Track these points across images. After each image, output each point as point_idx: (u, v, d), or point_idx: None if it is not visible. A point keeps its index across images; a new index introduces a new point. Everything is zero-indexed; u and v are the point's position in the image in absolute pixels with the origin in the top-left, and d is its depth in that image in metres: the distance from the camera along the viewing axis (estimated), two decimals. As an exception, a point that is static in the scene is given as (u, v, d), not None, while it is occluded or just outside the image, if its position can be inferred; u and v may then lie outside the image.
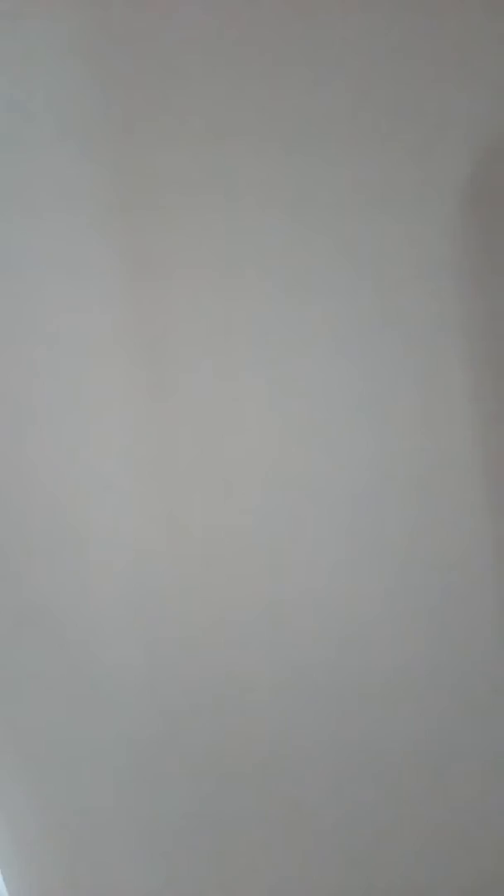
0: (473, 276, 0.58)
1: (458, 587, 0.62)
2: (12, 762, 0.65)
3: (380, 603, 0.62)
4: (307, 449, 0.60)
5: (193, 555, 0.61)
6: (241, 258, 0.57)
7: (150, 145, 0.56)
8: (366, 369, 0.59)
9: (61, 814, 0.65)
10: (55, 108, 0.56)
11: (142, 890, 0.66)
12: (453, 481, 0.61)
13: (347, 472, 0.61)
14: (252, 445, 0.60)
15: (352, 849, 0.65)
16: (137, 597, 0.62)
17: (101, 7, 0.55)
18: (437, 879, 0.66)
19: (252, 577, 0.62)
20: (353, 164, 0.56)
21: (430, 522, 0.62)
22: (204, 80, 0.55)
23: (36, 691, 0.63)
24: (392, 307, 0.58)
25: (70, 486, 0.60)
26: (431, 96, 0.55)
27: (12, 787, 0.65)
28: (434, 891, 0.66)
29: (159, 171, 0.56)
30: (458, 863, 0.66)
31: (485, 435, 0.60)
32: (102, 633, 0.62)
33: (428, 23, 0.55)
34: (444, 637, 0.63)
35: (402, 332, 0.59)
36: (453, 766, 0.64)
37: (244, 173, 0.56)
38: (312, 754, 0.64)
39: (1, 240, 0.58)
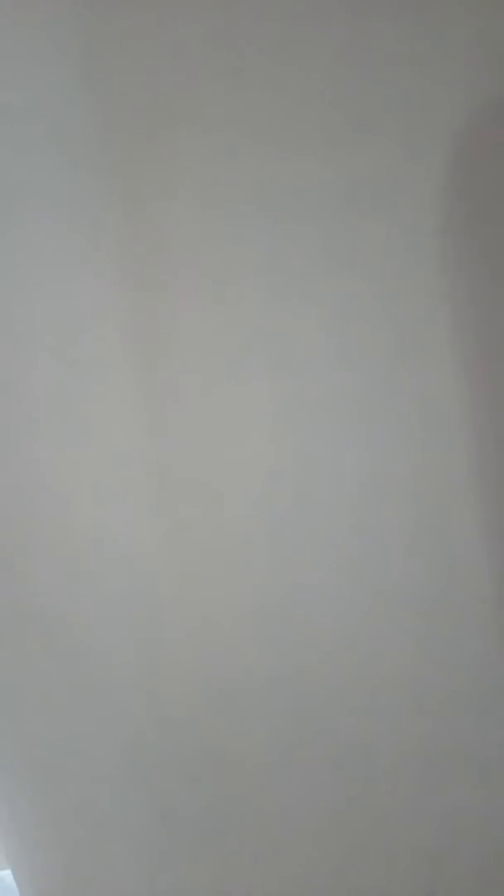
0: (463, 271, 0.58)
1: (457, 587, 0.62)
2: (16, 761, 0.65)
3: (379, 603, 0.62)
4: (305, 451, 0.60)
5: (192, 556, 0.61)
6: (238, 265, 0.58)
7: (143, 154, 0.56)
8: (364, 375, 0.59)
9: (65, 813, 0.65)
10: (50, 113, 0.55)
11: (147, 888, 0.66)
12: (452, 481, 0.61)
13: (345, 475, 0.61)
14: (250, 447, 0.60)
15: (353, 849, 0.65)
16: (136, 599, 0.62)
17: (96, 11, 0.54)
18: (437, 880, 0.66)
19: (250, 578, 0.62)
20: (341, 164, 0.56)
21: (429, 524, 0.62)
22: (198, 86, 0.55)
23: (37, 691, 0.63)
24: (389, 310, 0.58)
25: (69, 489, 0.60)
26: (412, 88, 0.55)
27: (17, 785, 0.65)
28: (433, 890, 0.66)
29: (152, 182, 0.56)
30: (457, 862, 0.66)
31: (483, 434, 0.61)
32: (102, 634, 0.62)
33: (406, 19, 0.55)
34: (443, 635, 0.63)
35: (399, 334, 0.59)
36: (455, 765, 0.64)
37: (241, 179, 0.56)
38: (313, 753, 0.64)
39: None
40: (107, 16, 0.54)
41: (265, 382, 0.59)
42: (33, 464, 0.60)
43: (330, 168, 0.56)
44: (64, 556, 0.61)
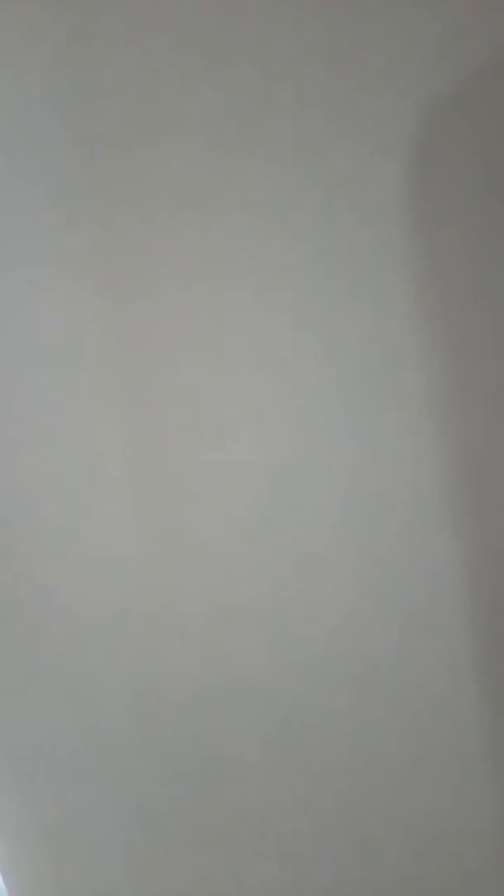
0: (440, 268, 0.58)
1: (450, 591, 0.62)
2: (2, 765, 0.65)
3: (372, 604, 0.62)
4: (293, 452, 0.60)
5: (182, 559, 0.62)
6: (218, 266, 0.58)
7: (118, 157, 0.56)
8: (350, 376, 0.59)
9: (54, 817, 0.65)
10: (28, 116, 0.55)
11: (138, 892, 0.66)
12: (446, 480, 0.61)
13: (337, 474, 0.61)
14: (238, 449, 0.60)
15: (347, 848, 0.66)
16: (128, 600, 0.62)
17: (77, 14, 0.54)
18: (428, 877, 0.66)
19: (240, 579, 0.62)
20: (313, 164, 0.56)
21: (422, 527, 0.62)
22: (171, 90, 0.55)
23: (25, 696, 0.63)
24: (373, 312, 0.58)
25: (59, 489, 0.61)
26: (380, 86, 0.55)
27: (3, 790, 0.65)
28: (425, 889, 0.66)
29: (128, 185, 0.57)
30: (447, 860, 0.66)
31: (470, 437, 0.61)
32: (90, 638, 0.62)
33: (370, 17, 0.54)
34: (436, 638, 0.63)
35: (382, 337, 0.59)
36: (436, 764, 0.65)
37: (220, 183, 0.56)
38: (308, 756, 0.64)
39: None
40: (88, 19, 0.54)
41: (249, 384, 0.60)
42: (19, 463, 0.60)
43: (302, 168, 0.56)
44: (51, 557, 0.61)
